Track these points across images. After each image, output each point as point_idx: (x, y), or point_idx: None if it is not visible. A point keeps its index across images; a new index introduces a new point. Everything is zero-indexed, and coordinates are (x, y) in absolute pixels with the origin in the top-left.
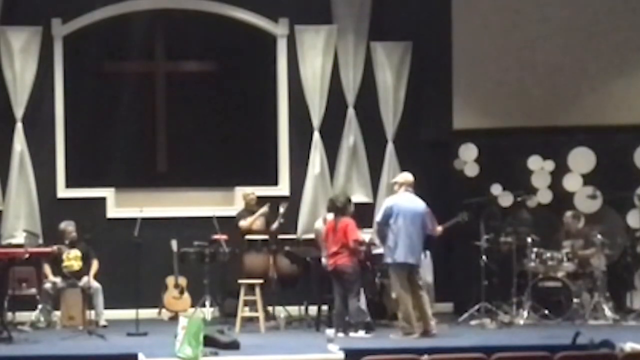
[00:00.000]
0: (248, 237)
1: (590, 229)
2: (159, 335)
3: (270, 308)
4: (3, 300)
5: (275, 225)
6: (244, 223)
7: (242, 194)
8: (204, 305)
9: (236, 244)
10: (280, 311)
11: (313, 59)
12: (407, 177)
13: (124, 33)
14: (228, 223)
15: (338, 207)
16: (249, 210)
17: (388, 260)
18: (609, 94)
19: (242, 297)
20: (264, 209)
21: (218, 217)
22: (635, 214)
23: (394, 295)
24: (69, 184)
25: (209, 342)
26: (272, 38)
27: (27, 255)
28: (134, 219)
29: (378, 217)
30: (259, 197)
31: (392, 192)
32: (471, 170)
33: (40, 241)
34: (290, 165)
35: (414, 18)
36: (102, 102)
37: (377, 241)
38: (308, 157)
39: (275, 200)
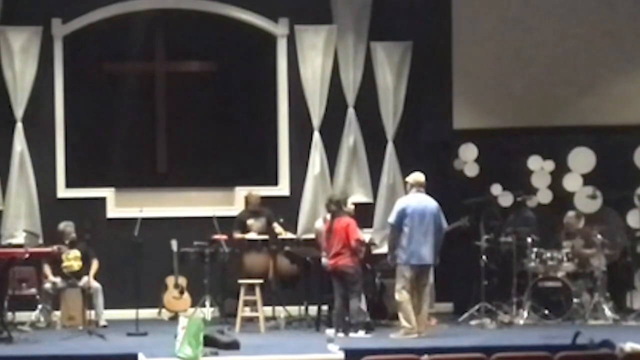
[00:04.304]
0: (248, 237)
1: (590, 229)
2: (159, 335)
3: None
4: (3, 300)
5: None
6: (237, 235)
7: (246, 194)
8: (204, 305)
9: (236, 244)
10: (280, 311)
11: (313, 59)
12: (418, 177)
13: (124, 33)
14: (228, 223)
15: (333, 205)
16: (251, 212)
17: (399, 260)
18: (609, 94)
19: (242, 297)
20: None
21: (218, 217)
22: (635, 214)
23: (397, 296)
24: (69, 184)
25: (209, 342)
26: (272, 38)
27: (27, 255)
28: (134, 219)
29: (391, 219)
30: (261, 198)
31: (392, 192)
32: (471, 170)
33: (40, 241)
34: (290, 165)
35: (414, 18)
36: (102, 102)
37: (377, 241)
38: (308, 157)
39: (275, 200)
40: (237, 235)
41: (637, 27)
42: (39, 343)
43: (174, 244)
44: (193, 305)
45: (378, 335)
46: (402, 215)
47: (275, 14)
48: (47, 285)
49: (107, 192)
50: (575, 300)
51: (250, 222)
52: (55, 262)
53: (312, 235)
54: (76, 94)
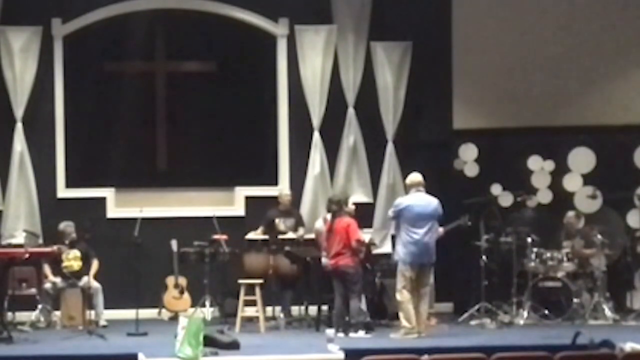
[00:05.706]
0: (248, 237)
1: (590, 229)
2: (159, 335)
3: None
4: (3, 300)
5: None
6: (260, 231)
7: (278, 193)
8: (204, 305)
9: (236, 244)
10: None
11: (313, 59)
12: (415, 177)
13: (124, 33)
14: (228, 223)
15: (334, 205)
16: (282, 211)
17: (396, 258)
18: (609, 94)
19: (242, 297)
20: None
21: (218, 217)
22: (635, 214)
23: (398, 296)
24: (69, 184)
25: (209, 342)
26: (272, 38)
27: (27, 255)
28: (134, 219)
29: (390, 213)
30: (261, 198)
31: (392, 192)
32: (471, 170)
33: (40, 241)
34: (290, 165)
35: (414, 18)
36: (102, 102)
37: (377, 241)
38: (308, 157)
39: (275, 200)
40: (260, 231)
41: (637, 27)
42: (39, 343)
43: (174, 244)
44: (193, 305)
45: (378, 335)
46: (399, 210)
47: (275, 14)
48: (47, 285)
49: (107, 192)
50: (575, 300)
51: (277, 221)
52: (55, 262)
53: (312, 235)
54: (76, 94)
